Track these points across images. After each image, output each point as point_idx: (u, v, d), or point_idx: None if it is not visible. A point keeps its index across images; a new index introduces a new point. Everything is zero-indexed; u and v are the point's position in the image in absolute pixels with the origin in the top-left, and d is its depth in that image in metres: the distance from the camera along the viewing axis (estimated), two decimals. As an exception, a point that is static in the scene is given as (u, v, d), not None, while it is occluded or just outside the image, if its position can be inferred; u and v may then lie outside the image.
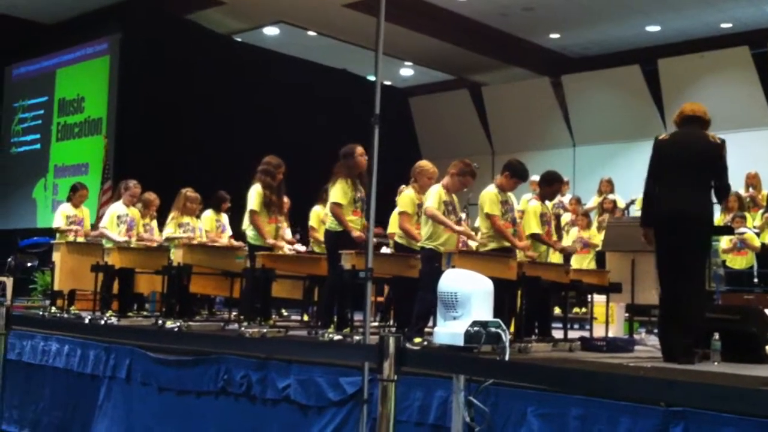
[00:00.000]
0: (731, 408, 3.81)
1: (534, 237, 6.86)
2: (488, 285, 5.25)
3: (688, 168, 5.63)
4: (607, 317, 7.53)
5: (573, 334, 7.56)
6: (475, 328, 4.73)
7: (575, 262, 10.26)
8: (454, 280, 5.26)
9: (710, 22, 13.48)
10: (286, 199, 8.60)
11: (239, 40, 15.50)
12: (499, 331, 4.64)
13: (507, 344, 4.53)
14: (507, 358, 4.43)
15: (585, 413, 4.14)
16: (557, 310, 8.70)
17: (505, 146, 15.33)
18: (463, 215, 7.30)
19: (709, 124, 5.83)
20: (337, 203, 6.67)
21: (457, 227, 6.46)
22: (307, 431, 5.21)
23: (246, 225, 7.35)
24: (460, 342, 4.79)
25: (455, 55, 15.47)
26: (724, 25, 13.66)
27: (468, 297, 5.02)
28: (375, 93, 5.40)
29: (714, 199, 5.80)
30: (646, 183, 5.85)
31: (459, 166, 6.64)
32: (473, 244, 7.15)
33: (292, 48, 15.40)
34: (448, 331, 4.93)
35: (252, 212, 7.16)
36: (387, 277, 7.28)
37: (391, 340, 3.15)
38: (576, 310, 10.02)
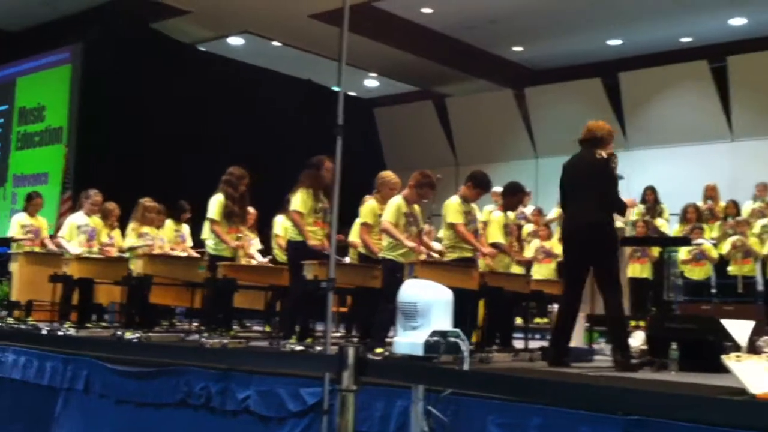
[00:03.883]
0: (689, 417, 3.85)
1: (496, 246, 6.90)
2: (448, 295, 5.27)
3: (582, 186, 6.01)
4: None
5: (534, 344, 7.59)
6: (435, 338, 4.75)
7: (537, 273, 10.35)
8: (414, 290, 5.28)
9: (670, 36, 13.70)
10: (252, 211, 8.58)
11: (204, 49, 15.42)
12: (458, 340, 4.66)
13: (466, 354, 4.55)
14: (466, 367, 4.44)
15: (545, 423, 4.16)
16: (519, 320, 8.75)
17: (469, 157, 15.41)
18: (426, 226, 7.32)
19: (603, 141, 6.06)
20: (297, 212, 6.66)
21: (408, 242, 6.44)
22: (266, 442, 5.17)
23: (205, 234, 7.30)
24: (420, 352, 4.81)
25: (420, 66, 15.55)
26: (683, 40, 13.89)
27: (428, 307, 5.04)
28: (338, 103, 5.42)
29: (641, 208, 6.17)
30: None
31: (417, 178, 6.67)
32: (436, 255, 7.17)
33: (257, 58, 15.36)
34: (408, 341, 4.94)
35: (211, 221, 7.12)
36: (350, 288, 7.27)
37: (351, 351, 3.15)
38: (537, 320, 10.07)
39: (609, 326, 6.04)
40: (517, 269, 8.22)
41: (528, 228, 11.64)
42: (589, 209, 5.93)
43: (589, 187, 5.97)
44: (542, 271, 10.54)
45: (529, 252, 11.01)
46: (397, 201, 6.60)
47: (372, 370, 3.30)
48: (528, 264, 9.65)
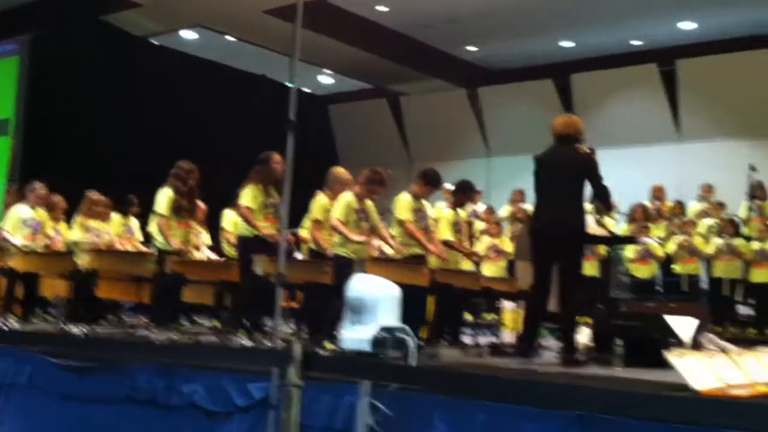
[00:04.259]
0: (633, 412, 3.92)
1: (446, 244, 6.95)
2: (395, 291, 5.28)
3: (563, 181, 5.91)
4: (516, 324, 7.65)
5: (483, 340, 7.65)
6: (382, 334, 4.75)
7: (487, 270, 10.43)
8: (361, 286, 5.27)
9: (621, 39, 13.90)
10: (202, 205, 8.50)
11: (157, 43, 15.22)
12: (405, 336, 4.67)
13: (413, 349, 4.56)
14: (413, 363, 4.45)
15: (491, 418, 4.18)
16: (468, 317, 8.81)
17: (422, 156, 15.46)
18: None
19: (581, 136, 6.08)
20: (247, 207, 6.62)
21: (355, 237, 6.44)
22: (212, 437, 5.13)
23: (152, 228, 7.22)
24: (367, 347, 4.80)
25: (375, 64, 15.55)
26: (634, 43, 14.11)
27: (375, 303, 5.03)
28: (290, 99, 5.41)
29: (587, 209, 6.11)
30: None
31: (367, 175, 6.68)
32: (388, 251, 7.19)
33: (211, 52, 15.21)
34: (355, 336, 4.93)
35: (158, 215, 7.05)
36: (300, 283, 7.24)
37: (297, 346, 3.14)
38: (486, 316, 10.16)
39: (563, 323, 5.97)
40: (467, 266, 8.28)
41: (479, 226, 11.74)
42: (567, 204, 5.88)
43: (570, 181, 5.91)
44: (492, 269, 10.63)
45: (480, 249, 11.10)
46: (347, 197, 6.60)
47: (319, 365, 3.31)
48: (479, 261, 9.71)
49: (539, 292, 5.98)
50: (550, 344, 7.53)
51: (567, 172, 5.93)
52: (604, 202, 6.19)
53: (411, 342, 4.61)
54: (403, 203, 6.69)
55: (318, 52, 14.20)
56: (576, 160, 5.94)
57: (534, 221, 6.16)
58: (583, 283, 6.13)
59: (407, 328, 4.85)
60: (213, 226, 9.22)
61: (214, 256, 8.77)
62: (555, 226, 5.85)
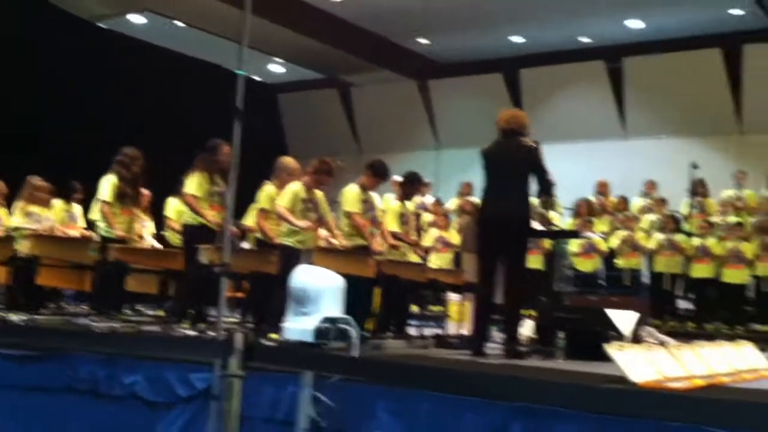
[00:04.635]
0: (572, 403, 3.99)
1: (393, 235, 6.96)
2: (339, 282, 5.28)
3: (508, 175, 5.97)
4: (461, 315, 7.71)
5: (429, 332, 7.70)
6: (325, 325, 4.75)
7: (434, 262, 10.50)
8: (305, 276, 5.26)
9: (570, 35, 14.05)
10: (146, 192, 8.38)
11: (104, 26, 14.92)
12: (348, 327, 4.68)
13: (356, 340, 4.57)
14: (355, 354, 4.45)
15: (433, 409, 4.22)
16: (414, 308, 8.85)
17: (372, 147, 15.46)
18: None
19: (527, 130, 6.14)
20: (192, 195, 6.55)
21: (300, 223, 6.41)
22: (154, 428, 5.09)
23: (95, 215, 7.11)
24: (310, 338, 4.79)
25: (326, 54, 15.46)
26: (582, 39, 14.27)
27: (319, 293, 5.03)
28: (238, 87, 5.36)
29: (535, 201, 6.16)
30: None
31: (315, 165, 6.66)
32: (336, 241, 7.18)
33: (160, 38, 14.97)
34: (298, 327, 4.92)
35: (102, 202, 6.93)
36: (246, 273, 7.19)
37: (239, 336, 3.12)
38: (433, 308, 10.22)
39: (507, 315, 6.00)
40: (414, 258, 8.31)
41: (427, 218, 11.79)
42: (512, 197, 5.93)
43: (516, 175, 5.96)
44: (439, 261, 10.70)
45: (427, 241, 11.16)
46: (294, 187, 6.57)
47: (261, 355, 3.29)
48: (426, 253, 9.75)
49: (486, 285, 6.01)
50: (494, 336, 7.61)
51: (512, 166, 5.98)
52: (549, 195, 6.26)
53: (354, 333, 4.61)
54: (350, 195, 6.69)
55: (269, 40, 14.06)
56: (521, 154, 5.99)
57: (480, 214, 6.20)
58: (527, 276, 6.17)
59: (350, 318, 4.85)
60: (158, 213, 9.10)
61: (158, 245, 8.66)
62: (501, 218, 5.89)
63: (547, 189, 6.11)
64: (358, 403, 4.20)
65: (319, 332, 4.73)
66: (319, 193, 6.75)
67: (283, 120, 17.45)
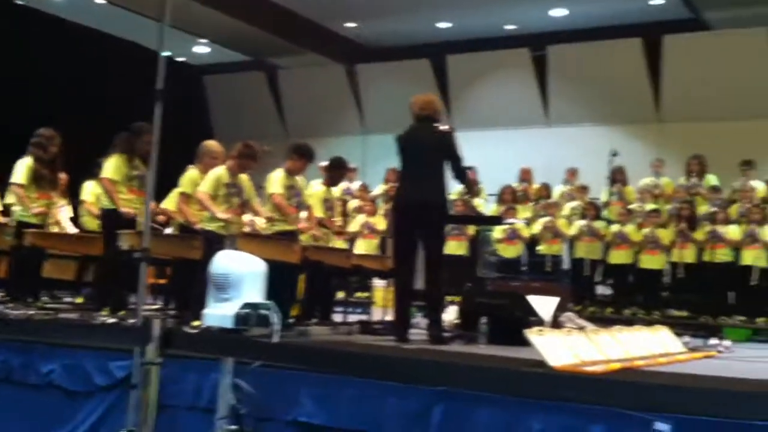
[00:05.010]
0: (492, 387, 4.05)
1: (316, 221, 6.93)
2: (261, 267, 5.25)
3: (424, 160, 6.02)
4: (386, 301, 7.74)
5: (354, 318, 7.71)
6: (245, 310, 4.71)
7: (360, 247, 10.51)
8: (226, 262, 5.21)
9: (496, 22, 14.16)
10: (63, 175, 8.15)
11: (21, 2, 14.40)
12: (269, 313, 4.64)
13: (277, 326, 4.54)
14: (276, 340, 4.43)
15: (357, 394, 4.24)
16: (340, 294, 8.85)
17: (299, 131, 15.35)
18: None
19: (441, 116, 6.23)
20: (109, 179, 6.40)
21: (220, 214, 6.32)
22: (73, 417, 4.98)
23: (11, 199, 6.88)
24: (230, 324, 4.75)
25: (253, 36, 15.26)
26: (507, 27, 14.42)
27: (240, 279, 4.99)
28: (158, 67, 5.25)
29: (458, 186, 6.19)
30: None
31: (239, 149, 6.58)
32: (261, 227, 7.11)
33: (79, 15, 14.53)
34: (219, 313, 4.87)
35: (16, 185, 6.71)
36: (169, 259, 7.07)
37: (157, 323, 3.07)
38: (359, 294, 10.22)
39: (429, 300, 6.06)
40: (340, 243, 8.30)
41: (353, 203, 11.79)
42: (429, 183, 5.96)
43: (431, 160, 5.99)
44: (365, 246, 10.72)
45: (353, 227, 11.17)
46: (218, 171, 6.47)
47: (180, 342, 3.24)
48: (351, 239, 9.77)
49: (405, 271, 6.03)
50: (417, 321, 7.68)
51: (427, 151, 6.03)
52: (462, 181, 6.32)
53: (275, 318, 4.58)
54: (275, 179, 6.63)
55: (194, 20, 13.81)
56: (435, 139, 6.05)
57: (396, 199, 6.23)
58: (445, 262, 6.23)
59: (271, 304, 4.82)
60: (74, 197, 8.86)
61: (75, 230, 8.43)
62: (417, 204, 5.92)
63: (460, 176, 6.19)
64: (280, 389, 4.18)
65: (240, 318, 4.69)
66: (243, 178, 6.67)
67: (209, 102, 17.18)
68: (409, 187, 6.03)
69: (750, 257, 9.70)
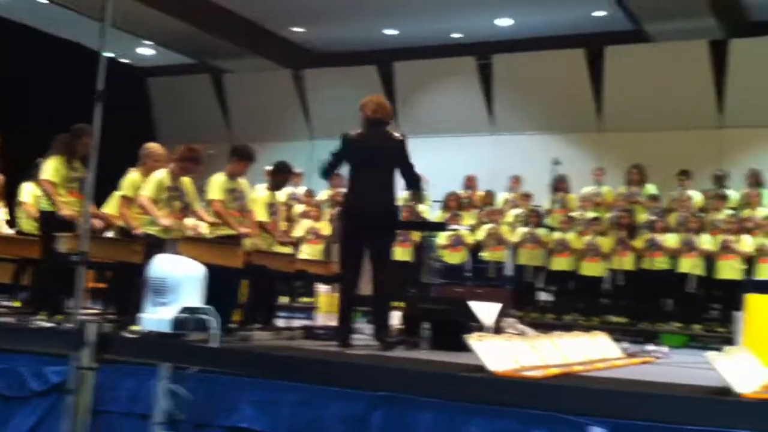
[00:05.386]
0: (431, 392, 4.08)
1: (260, 225, 6.89)
2: (200, 271, 5.19)
3: (376, 165, 5.97)
4: (330, 306, 7.73)
5: (298, 323, 7.68)
6: (183, 315, 4.65)
7: (304, 252, 10.48)
8: (163, 266, 5.15)
9: (442, 30, 14.28)
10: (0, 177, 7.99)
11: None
12: (208, 317, 4.60)
13: (216, 331, 4.49)
14: (215, 344, 4.38)
15: (299, 399, 4.22)
16: (285, 299, 8.81)
17: (245, 135, 15.19)
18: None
19: (390, 120, 6.17)
20: (49, 181, 6.27)
21: (162, 220, 6.21)
22: (7, 422, 4.86)
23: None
24: (168, 329, 4.68)
25: (199, 39, 15.12)
26: (454, 35, 14.54)
27: (178, 283, 4.93)
28: (99, 68, 5.18)
29: (404, 192, 6.18)
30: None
31: (182, 152, 6.50)
32: (204, 231, 7.04)
33: (19, 14, 14.23)
34: (156, 317, 4.80)
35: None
36: (109, 263, 6.96)
37: (91, 328, 3.01)
38: (303, 299, 10.20)
39: (377, 306, 6.01)
40: (285, 249, 8.26)
41: (299, 208, 11.76)
42: (380, 188, 5.92)
43: (384, 166, 5.95)
44: (310, 251, 10.69)
45: (298, 232, 11.13)
46: (159, 175, 6.39)
47: (116, 347, 3.19)
48: (295, 243, 9.72)
49: (351, 276, 5.99)
50: (361, 327, 7.68)
51: (380, 157, 5.98)
52: (416, 188, 6.32)
53: (214, 323, 4.54)
54: (215, 183, 6.57)
55: (138, 22, 13.64)
56: (388, 145, 6.01)
57: (346, 205, 6.16)
58: (394, 267, 6.23)
59: (210, 308, 4.76)
60: (11, 198, 8.68)
61: (10, 231, 8.25)
62: (368, 210, 5.88)
63: (414, 183, 6.17)
64: (219, 395, 4.14)
65: (178, 323, 4.62)
66: (186, 181, 6.59)
67: (153, 105, 16.97)
68: (361, 193, 5.96)
69: (687, 265, 9.92)
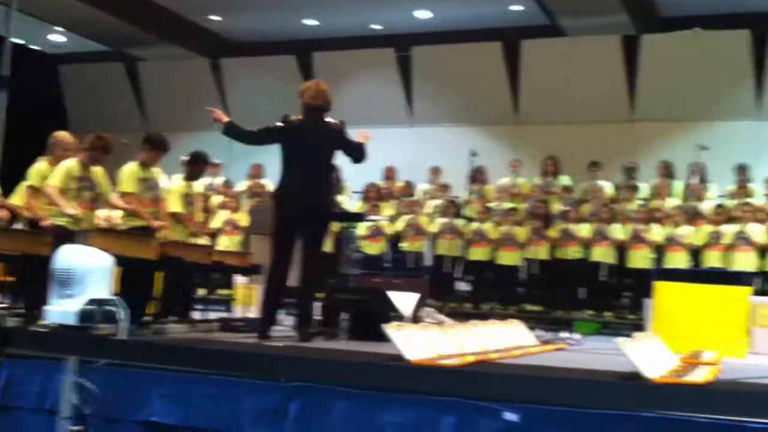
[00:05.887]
0: (348, 382, 4.08)
1: (173, 216, 6.76)
2: (107, 262, 5.06)
3: (314, 154, 5.89)
4: (248, 298, 7.66)
5: (215, 316, 7.58)
6: (90, 307, 4.52)
7: (222, 244, 10.36)
8: (69, 257, 4.99)
9: (362, 21, 14.27)
10: None
11: None
12: (116, 309, 4.48)
13: (124, 323, 4.39)
14: (123, 337, 4.28)
15: (212, 392, 4.17)
16: (202, 291, 8.69)
17: (161, 125, 14.87)
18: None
19: (330, 107, 6.04)
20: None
21: (69, 209, 6.03)
22: None
23: None
24: (74, 321, 4.54)
25: (112, 26, 14.73)
26: (374, 26, 14.55)
27: (84, 274, 4.79)
28: (3, 53, 5.00)
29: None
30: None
31: (91, 141, 6.31)
32: (117, 221, 6.88)
33: None
34: (61, 309, 4.65)
35: None
36: (17, 255, 6.73)
37: (-5, 320, 2.90)
38: (220, 291, 10.07)
39: (302, 298, 5.93)
40: (202, 240, 8.14)
41: (217, 199, 11.61)
42: (318, 180, 5.85)
43: (322, 156, 5.88)
44: (227, 243, 10.58)
45: (216, 223, 10.99)
46: (68, 164, 6.19)
47: (21, 341, 3.08)
48: (213, 235, 9.60)
49: (281, 268, 5.87)
50: (281, 319, 7.63)
51: (318, 146, 5.89)
52: (362, 158, 6.14)
53: (122, 315, 4.42)
54: (126, 173, 6.41)
55: (49, 7, 13.24)
56: (328, 133, 5.91)
57: (280, 194, 6.00)
58: (323, 259, 6.17)
59: (119, 300, 4.64)
60: None
61: None
62: (304, 200, 5.78)
63: (360, 155, 6.07)
64: (130, 389, 4.05)
65: (84, 315, 4.48)
66: (97, 171, 6.40)
67: (65, 93, 16.48)
68: (295, 182, 5.83)
69: (599, 254, 10.19)
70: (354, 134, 6.09)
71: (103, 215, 8.27)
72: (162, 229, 6.50)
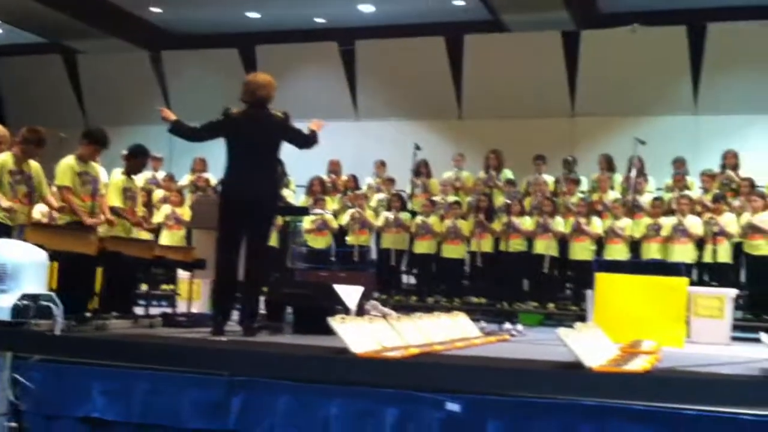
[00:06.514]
0: (291, 375, 4.07)
1: (113, 210, 6.65)
2: (41, 256, 4.97)
3: (259, 148, 5.84)
4: (191, 293, 7.56)
5: (158, 311, 7.47)
6: (24, 302, 4.43)
7: (165, 239, 10.23)
8: (2, 251, 4.88)
9: (306, 15, 14.20)
10: None
11: None
12: (51, 304, 4.40)
13: (59, 318, 4.30)
14: (58, 332, 4.19)
15: (153, 387, 4.12)
16: (145, 286, 8.57)
17: (101, 118, 14.59)
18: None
19: (272, 99, 6.00)
20: None
21: (3, 202, 5.89)
22: None
23: None
24: (7, 316, 4.44)
25: (50, 17, 14.41)
26: (317, 20, 14.49)
27: (18, 269, 4.69)
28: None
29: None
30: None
31: (23, 134, 6.17)
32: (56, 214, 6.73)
33: None
34: (-6, 305, 4.55)
35: None
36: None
37: None
38: (164, 286, 9.95)
39: (248, 292, 5.85)
40: (144, 234, 8.03)
41: (159, 193, 11.45)
42: (263, 174, 5.80)
43: (268, 149, 5.84)
44: (170, 237, 10.44)
45: (158, 217, 10.84)
46: (1, 157, 6.04)
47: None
48: (155, 230, 9.46)
49: (230, 262, 5.80)
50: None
51: (263, 138, 5.84)
52: (312, 143, 6.12)
53: (57, 310, 4.34)
54: (63, 167, 6.28)
55: (-17, -2, 12.88)
56: (272, 126, 5.87)
57: (226, 187, 5.95)
58: (268, 253, 6.11)
59: (53, 295, 4.56)
60: None
61: None
62: (250, 195, 5.72)
63: (309, 142, 6.06)
64: (69, 385, 3.98)
65: (18, 310, 4.39)
66: (34, 165, 6.26)
67: (2, 86, 16.08)
68: (241, 176, 5.77)
69: (542, 246, 10.32)
70: (301, 128, 6.06)
71: (44, 210, 8.10)
72: (97, 225, 6.39)
